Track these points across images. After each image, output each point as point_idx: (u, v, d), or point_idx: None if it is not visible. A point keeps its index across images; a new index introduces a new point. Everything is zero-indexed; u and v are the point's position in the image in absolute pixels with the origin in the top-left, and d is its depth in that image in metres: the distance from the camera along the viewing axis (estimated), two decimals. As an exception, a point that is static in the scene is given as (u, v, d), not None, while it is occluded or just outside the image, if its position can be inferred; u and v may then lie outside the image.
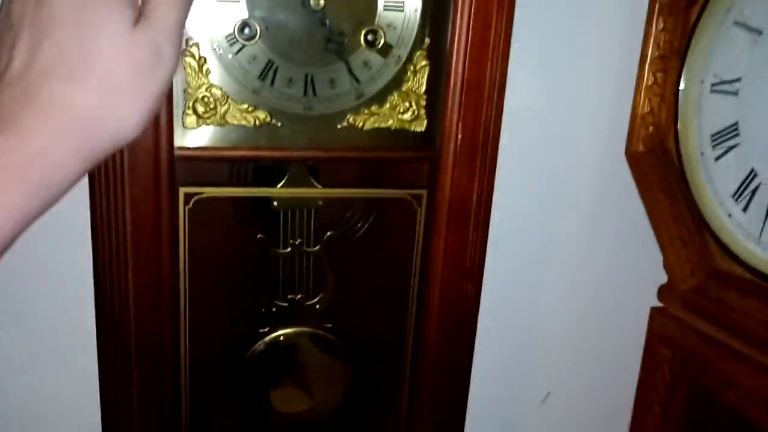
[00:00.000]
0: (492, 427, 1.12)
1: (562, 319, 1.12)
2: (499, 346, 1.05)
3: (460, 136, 0.79)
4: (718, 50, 0.94)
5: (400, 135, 0.82)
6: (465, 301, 0.86)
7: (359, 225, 0.91)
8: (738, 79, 0.91)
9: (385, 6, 0.77)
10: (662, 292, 1.07)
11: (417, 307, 0.87)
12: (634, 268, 1.11)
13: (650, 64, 1.02)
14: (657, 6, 1.00)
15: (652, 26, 1.01)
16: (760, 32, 0.88)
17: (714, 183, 0.95)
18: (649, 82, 1.02)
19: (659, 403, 1.06)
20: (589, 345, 1.15)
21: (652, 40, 1.01)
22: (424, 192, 0.83)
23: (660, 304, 1.09)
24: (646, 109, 1.02)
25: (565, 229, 1.07)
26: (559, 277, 1.09)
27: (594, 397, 1.18)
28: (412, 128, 0.82)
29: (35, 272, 0.89)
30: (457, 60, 0.78)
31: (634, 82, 1.00)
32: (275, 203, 0.83)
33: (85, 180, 0.73)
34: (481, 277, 0.87)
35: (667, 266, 1.05)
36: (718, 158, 0.94)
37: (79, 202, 0.83)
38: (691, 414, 1.06)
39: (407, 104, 0.81)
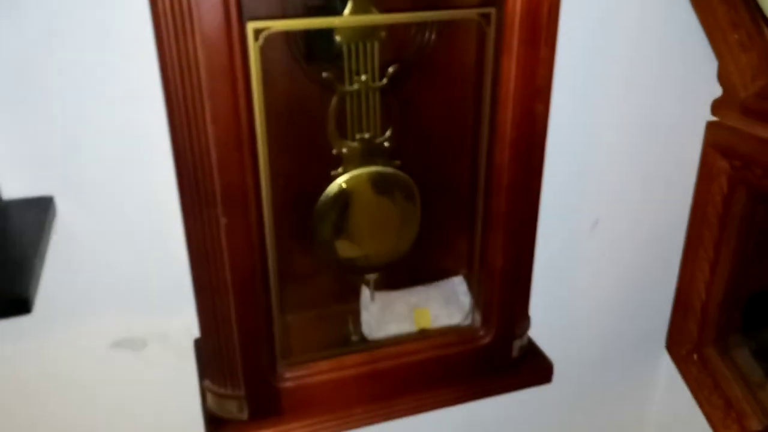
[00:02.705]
0: (551, 249, 1.14)
1: (613, 141, 1.12)
2: (553, 169, 1.03)
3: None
4: None
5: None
6: (536, 120, 0.85)
7: (425, 52, 0.88)
8: None
9: None
10: (717, 104, 1.07)
11: (489, 131, 0.86)
12: (684, 85, 1.10)
13: None
14: None
15: None
16: None
17: (776, -21, 0.92)
18: None
19: (716, 215, 1.08)
20: (641, 164, 1.16)
21: None
22: (492, 10, 0.80)
23: (714, 119, 1.09)
24: None
25: (616, 47, 1.05)
26: (611, 96, 1.08)
27: (647, 217, 1.21)
28: (474, -57, 0.78)
29: (106, 132, 0.87)
30: None
31: None
32: (339, 38, 0.80)
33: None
34: (550, 96, 0.86)
35: (724, 76, 1.04)
36: (781, -48, 0.90)
37: (145, 50, 0.80)
38: (749, 223, 1.09)
39: None
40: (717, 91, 1.06)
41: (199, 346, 0.97)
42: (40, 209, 0.86)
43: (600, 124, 1.10)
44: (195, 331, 0.97)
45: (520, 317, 0.99)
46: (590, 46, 1.03)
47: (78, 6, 0.81)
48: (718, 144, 1.05)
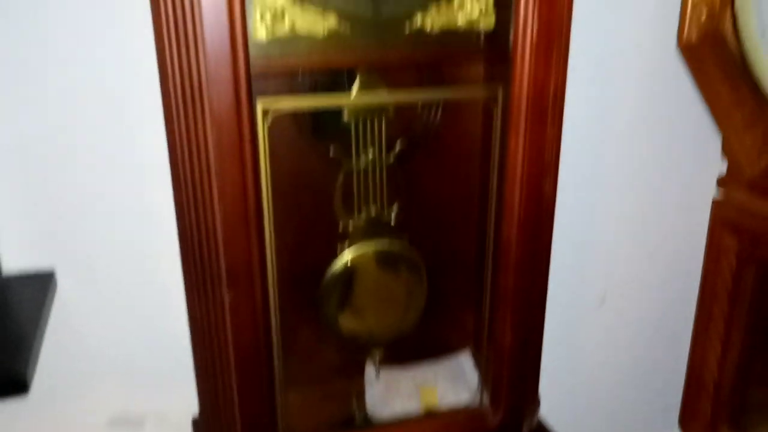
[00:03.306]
0: (559, 325, 1.12)
1: (620, 216, 1.12)
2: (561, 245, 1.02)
3: (535, 29, 0.77)
4: None
5: (469, 34, 0.79)
6: (544, 198, 0.85)
7: (432, 128, 0.89)
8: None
9: None
10: (723, 182, 1.07)
11: (497, 208, 0.85)
12: (690, 161, 1.11)
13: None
14: None
15: None
16: None
17: (777, 61, 0.93)
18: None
19: (726, 291, 1.07)
20: (648, 239, 1.15)
21: None
22: (499, 89, 0.81)
23: (719, 197, 1.08)
24: (698, -2, 0.99)
25: (622, 123, 1.06)
26: (617, 171, 1.08)
27: (656, 292, 1.19)
28: (481, 25, 0.79)
29: (108, 206, 0.87)
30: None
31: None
32: (347, 115, 0.81)
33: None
34: (558, 174, 0.86)
35: (730, 154, 1.04)
36: (781, 35, 0.92)
37: (153, 125, 0.81)
38: (761, 299, 1.07)
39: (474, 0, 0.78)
40: (723, 164, 1.07)
41: (198, 426, 0.94)
42: (41, 284, 0.85)
43: (606, 200, 1.09)
44: (195, 410, 0.94)
45: (530, 396, 0.96)
46: (596, 123, 1.04)
47: (87, 78, 0.82)
48: (725, 221, 1.04)
